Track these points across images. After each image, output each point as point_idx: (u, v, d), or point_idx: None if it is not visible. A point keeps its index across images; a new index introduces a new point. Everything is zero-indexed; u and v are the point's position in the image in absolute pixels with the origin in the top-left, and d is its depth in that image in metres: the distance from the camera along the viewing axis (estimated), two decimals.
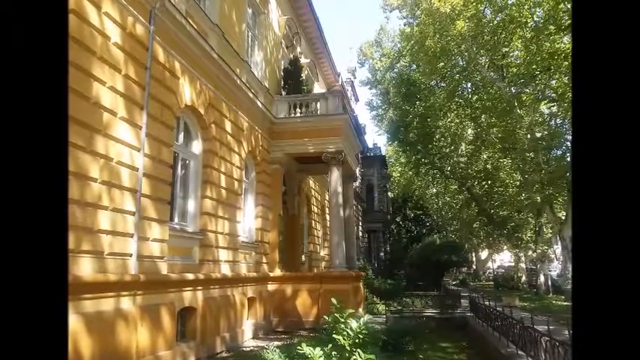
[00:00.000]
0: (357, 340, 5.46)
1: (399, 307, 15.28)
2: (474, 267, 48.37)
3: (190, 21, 8.67)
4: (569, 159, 19.31)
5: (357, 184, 27.66)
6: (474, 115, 23.95)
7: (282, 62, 16.10)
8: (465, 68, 22.32)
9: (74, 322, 5.16)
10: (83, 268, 5.57)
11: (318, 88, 20.85)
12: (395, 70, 28.44)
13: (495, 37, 20.13)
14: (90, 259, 5.71)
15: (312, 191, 19.40)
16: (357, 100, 36.66)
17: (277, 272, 12.97)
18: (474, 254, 46.89)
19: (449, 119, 26.33)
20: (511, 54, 21.54)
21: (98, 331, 5.58)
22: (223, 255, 9.98)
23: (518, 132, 20.72)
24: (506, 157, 25.25)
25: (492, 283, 36.18)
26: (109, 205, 6.09)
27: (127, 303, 6.34)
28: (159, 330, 6.98)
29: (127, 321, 6.19)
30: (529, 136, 20.57)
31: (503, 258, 59.79)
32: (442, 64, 22.54)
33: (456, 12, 19.55)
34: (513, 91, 20.71)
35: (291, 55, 16.59)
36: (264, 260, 12.71)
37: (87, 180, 5.71)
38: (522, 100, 20.54)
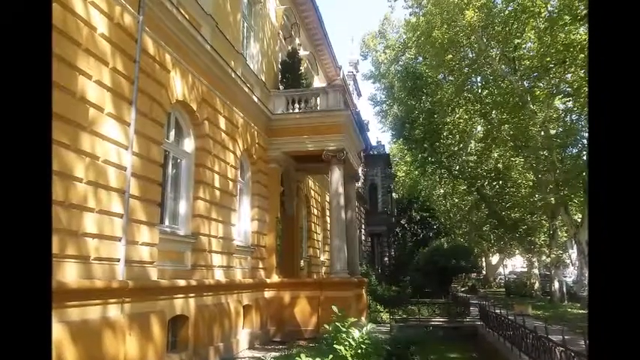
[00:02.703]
0: (359, 351, 5.47)
1: (404, 316, 15.31)
2: (484, 273, 48.41)
3: (182, 10, 8.67)
4: (585, 157, 19.33)
5: (359, 184, 27.67)
6: (484, 110, 23.97)
7: (280, 55, 16.11)
8: (474, 61, 22.34)
9: (58, 332, 5.16)
10: (68, 273, 5.57)
11: (318, 82, 20.86)
12: (400, 62, 28.47)
13: (507, 28, 20.15)
14: (75, 264, 5.71)
15: (312, 192, 19.40)
16: (359, 94, 36.69)
17: (275, 278, 12.97)
18: (483, 259, 46.94)
19: (457, 115, 26.37)
20: (523, 46, 21.56)
21: (84, 340, 5.58)
22: (217, 260, 9.98)
23: (531, 129, 20.74)
24: (519, 155, 25.29)
25: (503, 289, 36.25)
26: (95, 206, 6.09)
27: (114, 311, 6.34)
28: (148, 340, 6.99)
29: (114, 330, 6.20)
30: (543, 133, 20.59)
31: (515, 263, 59.89)
32: (450, 56, 22.56)
33: (465, 1, 19.55)
34: (526, 85, 20.75)
35: (290, 47, 16.60)
36: (261, 265, 12.71)
37: (72, 180, 5.71)
38: (535, 94, 20.58)
